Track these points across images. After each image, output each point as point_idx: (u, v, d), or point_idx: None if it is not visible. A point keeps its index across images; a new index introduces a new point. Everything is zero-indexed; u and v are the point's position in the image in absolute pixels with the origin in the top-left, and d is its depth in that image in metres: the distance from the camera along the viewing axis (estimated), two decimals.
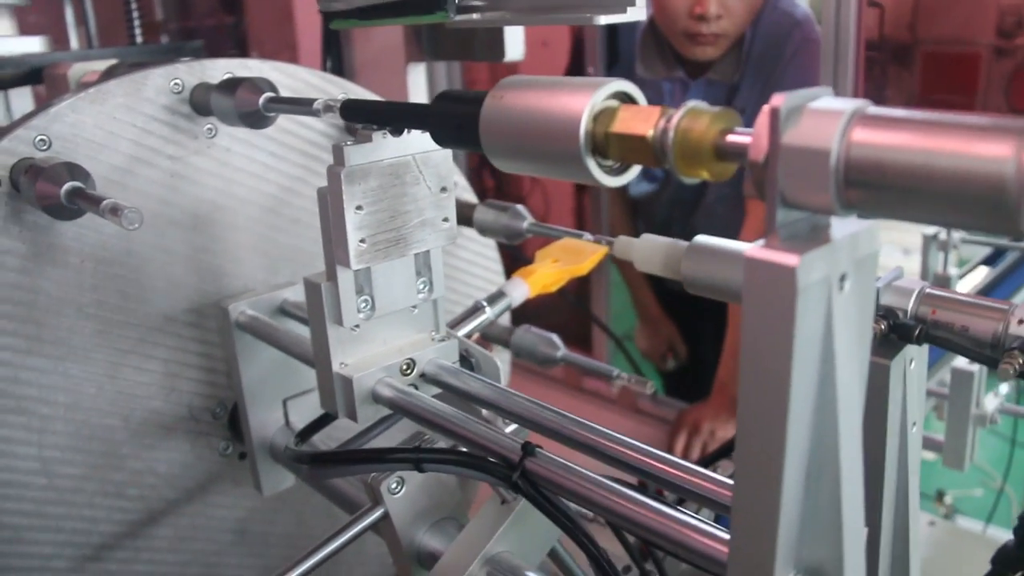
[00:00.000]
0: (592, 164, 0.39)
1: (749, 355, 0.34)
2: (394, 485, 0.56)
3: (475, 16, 0.78)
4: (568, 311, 1.76)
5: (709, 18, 1.29)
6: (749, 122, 0.35)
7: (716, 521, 0.42)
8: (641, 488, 0.45)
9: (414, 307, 0.59)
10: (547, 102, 0.40)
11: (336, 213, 0.52)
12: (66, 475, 0.66)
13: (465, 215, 0.82)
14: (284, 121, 0.74)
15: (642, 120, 0.38)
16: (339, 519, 0.83)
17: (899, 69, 2.89)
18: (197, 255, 0.71)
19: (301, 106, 0.60)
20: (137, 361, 0.69)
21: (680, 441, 1.39)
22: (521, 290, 0.70)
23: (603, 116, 0.39)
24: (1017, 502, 1.69)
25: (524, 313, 0.87)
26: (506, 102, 0.42)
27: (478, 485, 0.85)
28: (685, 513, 0.41)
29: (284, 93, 0.70)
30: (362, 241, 0.52)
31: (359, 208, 0.52)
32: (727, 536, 0.39)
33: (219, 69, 0.69)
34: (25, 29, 1.11)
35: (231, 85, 0.64)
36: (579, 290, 1.64)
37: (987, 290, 1.19)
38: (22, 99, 1.05)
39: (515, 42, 0.94)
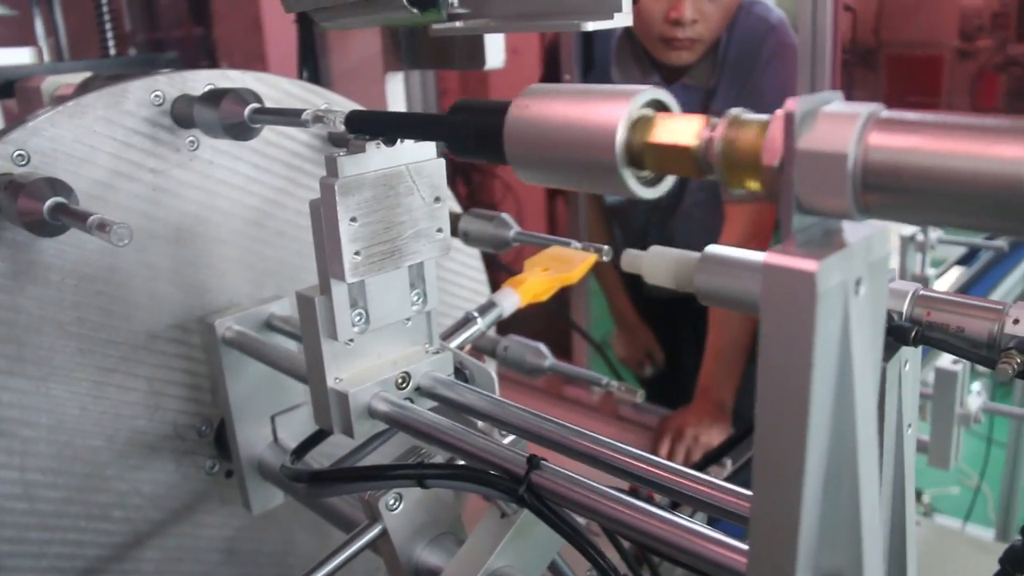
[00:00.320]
0: (628, 175, 0.38)
1: (768, 362, 0.34)
2: (392, 501, 0.55)
3: (457, 24, 0.77)
4: (547, 318, 1.75)
5: (684, 23, 1.30)
6: None
7: (709, 524, 0.42)
8: (644, 497, 0.44)
9: (407, 320, 0.58)
10: (579, 111, 0.39)
11: (330, 225, 0.51)
12: (49, 498, 0.64)
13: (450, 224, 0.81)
14: (266, 132, 0.73)
15: (684, 130, 0.37)
16: (329, 534, 0.82)
17: (865, 72, 2.93)
18: (181, 270, 0.69)
19: (288, 117, 0.59)
20: (121, 380, 0.67)
21: (664, 447, 1.38)
22: (512, 300, 0.69)
23: (639, 125, 0.38)
24: (993, 500, 1.72)
25: (503, 320, 0.87)
26: (533, 111, 0.41)
27: (467, 497, 0.84)
28: (699, 524, 0.40)
29: (268, 104, 0.69)
30: (356, 253, 0.51)
31: (353, 220, 0.51)
32: (744, 546, 0.38)
33: (200, 80, 0.68)
34: None
35: (215, 97, 0.62)
36: (558, 297, 1.63)
37: (963, 290, 1.20)
38: None
39: (495, 50, 0.93)
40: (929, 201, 0.31)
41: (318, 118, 0.55)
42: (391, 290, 0.55)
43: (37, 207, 0.56)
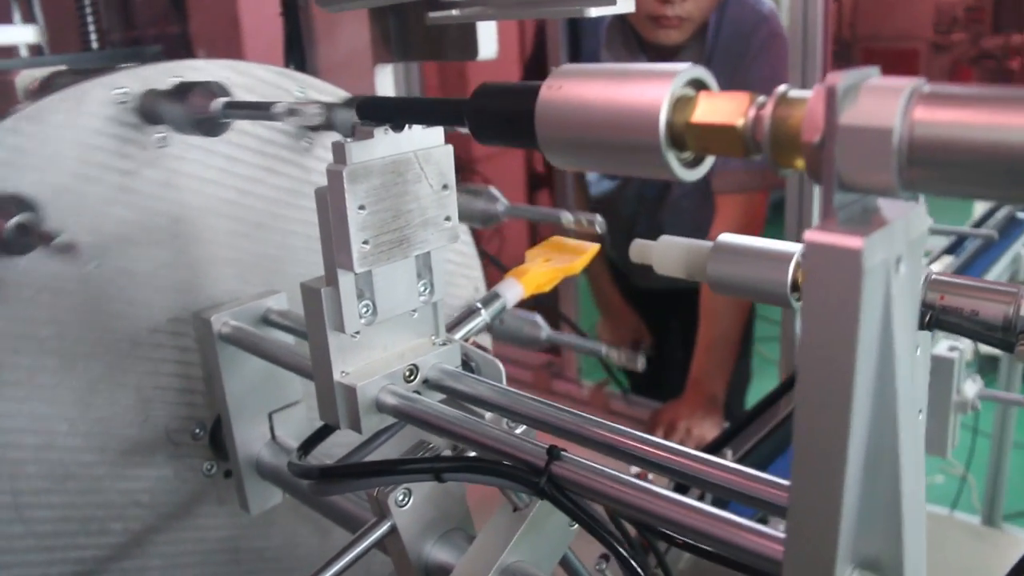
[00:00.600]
0: (672, 157, 0.37)
1: (809, 343, 0.33)
2: (401, 497, 0.54)
3: (454, 12, 0.76)
4: (536, 309, 1.75)
5: (674, 1, 1.30)
6: None
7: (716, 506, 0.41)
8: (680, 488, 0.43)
9: (414, 311, 0.56)
10: (617, 91, 0.37)
11: (337, 214, 0.49)
12: (44, 519, 0.62)
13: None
14: (238, 122, 0.70)
15: (729, 108, 0.35)
16: (330, 531, 0.80)
17: (841, 65, 2.94)
18: (160, 272, 0.67)
19: (260, 111, 0.57)
20: (107, 390, 0.65)
21: None
22: (515, 291, 0.68)
23: (680, 105, 0.36)
24: (978, 489, 1.73)
25: None
26: (567, 93, 0.39)
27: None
28: (731, 514, 0.39)
29: (239, 92, 0.67)
30: (365, 243, 0.50)
31: (361, 208, 0.49)
32: (778, 534, 0.38)
33: (165, 73, 0.65)
34: None
35: (182, 91, 0.60)
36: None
37: None
38: None
39: (488, 40, 0.92)
40: (976, 175, 0.30)
41: (292, 111, 0.53)
42: (398, 281, 0.54)
43: (0, 226, 0.54)
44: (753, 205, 1.38)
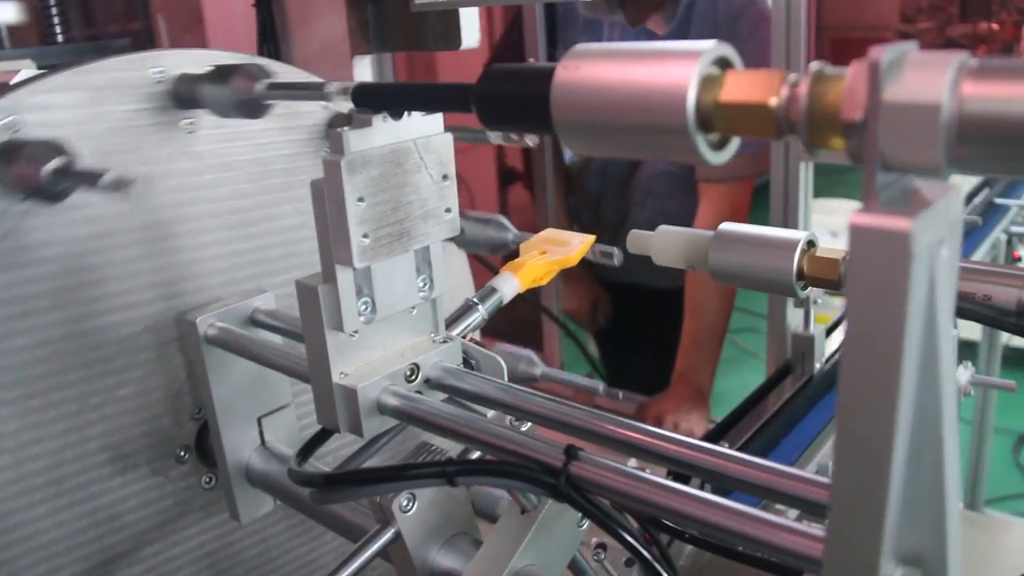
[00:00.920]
0: (700, 140, 0.35)
1: (855, 331, 0.31)
2: (405, 503, 0.52)
3: None
4: (517, 302, 1.73)
5: None
6: None
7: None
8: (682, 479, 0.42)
9: (412, 308, 0.54)
10: (640, 72, 0.35)
11: (335, 206, 0.47)
12: (31, 533, 0.60)
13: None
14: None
15: (760, 87, 0.33)
16: (320, 536, 0.78)
17: (810, 55, 2.96)
18: (140, 271, 0.64)
19: (306, 91, 0.55)
20: (85, 398, 0.62)
21: None
22: (512, 285, 0.66)
23: (707, 84, 0.34)
24: (962, 474, 1.75)
25: None
26: (584, 74, 0.37)
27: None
28: (763, 511, 0.38)
29: None
30: (364, 236, 0.47)
31: (360, 200, 0.47)
32: (816, 531, 0.36)
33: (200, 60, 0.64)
34: None
35: (224, 73, 0.58)
36: None
37: None
38: None
39: (470, 29, 0.90)
40: None
41: (345, 90, 0.51)
42: (397, 276, 0.52)
43: (36, 172, 0.51)
44: (739, 193, 1.37)
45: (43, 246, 0.59)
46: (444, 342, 0.55)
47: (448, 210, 0.52)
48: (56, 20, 0.95)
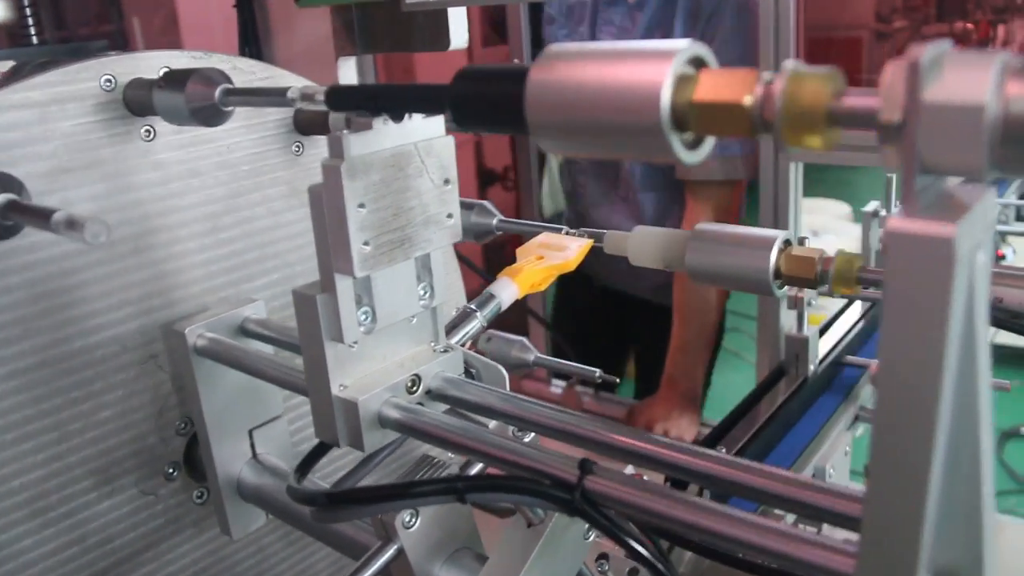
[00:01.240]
0: (674, 139, 0.34)
1: (894, 340, 0.30)
2: (408, 518, 0.50)
3: None
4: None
5: None
6: None
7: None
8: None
9: (412, 317, 0.53)
10: (614, 72, 0.35)
11: (335, 213, 0.45)
12: (19, 551, 0.57)
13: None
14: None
15: (734, 86, 0.33)
16: (308, 547, 0.76)
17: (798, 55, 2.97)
18: (125, 282, 0.62)
19: (267, 96, 0.53)
20: (62, 438, 0.60)
21: None
22: (510, 291, 0.65)
23: (682, 83, 0.34)
24: None
25: None
26: (559, 74, 0.36)
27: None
28: (788, 525, 0.36)
29: None
30: (365, 244, 0.46)
31: (361, 206, 0.45)
32: (847, 547, 0.35)
33: (154, 62, 0.61)
34: None
35: (179, 78, 0.56)
36: None
37: None
38: None
39: (459, 29, 0.88)
40: None
41: (306, 96, 0.49)
42: (398, 284, 0.50)
43: None
44: (728, 196, 1.36)
45: (5, 275, 0.56)
46: (445, 351, 0.54)
47: (450, 215, 0.50)
48: (30, 21, 0.92)
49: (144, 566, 0.65)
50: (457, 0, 0.72)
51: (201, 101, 0.56)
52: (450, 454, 0.53)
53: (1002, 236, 1.42)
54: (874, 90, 0.32)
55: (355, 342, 0.49)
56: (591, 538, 0.56)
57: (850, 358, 1.00)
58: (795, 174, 1.06)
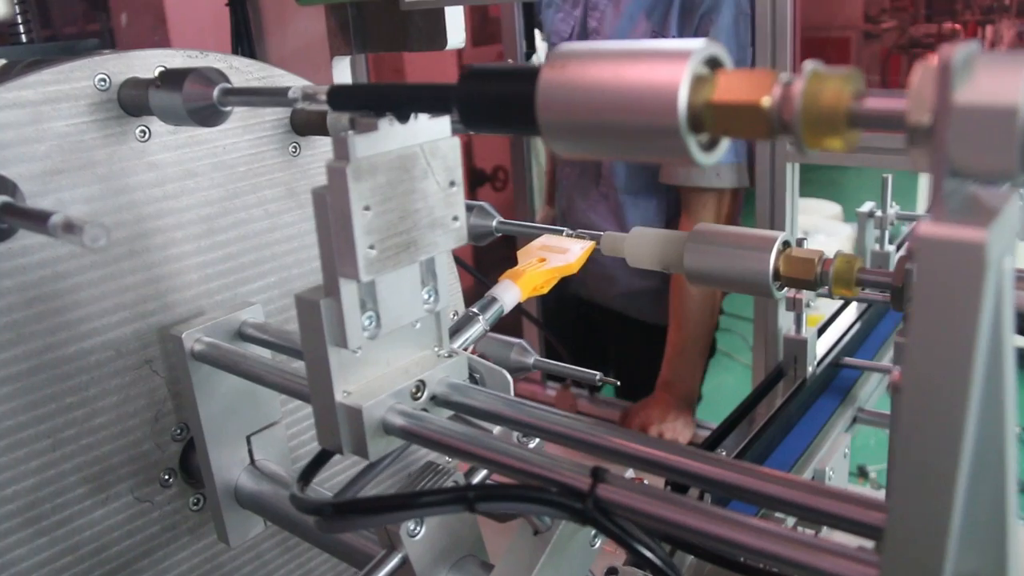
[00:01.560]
0: (691, 140, 0.34)
1: (922, 345, 0.29)
2: (413, 526, 0.49)
3: None
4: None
5: None
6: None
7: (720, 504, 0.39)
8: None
9: (416, 321, 0.52)
10: (630, 71, 0.34)
11: (340, 216, 0.44)
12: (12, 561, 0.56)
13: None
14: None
15: (753, 86, 0.33)
16: (303, 554, 0.75)
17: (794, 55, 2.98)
18: (119, 286, 0.61)
19: (267, 96, 0.52)
20: (56, 444, 0.59)
21: None
22: (512, 294, 0.64)
23: (698, 84, 0.34)
24: None
25: None
26: (572, 74, 0.36)
27: None
28: (808, 536, 0.36)
29: None
30: (371, 247, 0.45)
31: (367, 208, 0.44)
32: (869, 557, 0.34)
33: (150, 61, 0.60)
34: None
35: (176, 77, 0.55)
36: None
37: None
38: None
39: (456, 28, 0.88)
40: None
41: (308, 96, 0.48)
42: (403, 288, 0.49)
43: None
44: (725, 205, 1.36)
45: None
46: (450, 357, 0.53)
47: (455, 218, 0.49)
48: (20, 20, 0.91)
49: (140, 574, 0.63)
50: None
51: (199, 101, 0.55)
52: (447, 458, 0.52)
53: None
54: (894, 91, 0.31)
55: (359, 348, 0.48)
56: (597, 545, 0.55)
57: (848, 359, 1.00)
58: (791, 175, 1.06)
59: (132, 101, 0.59)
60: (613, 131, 0.35)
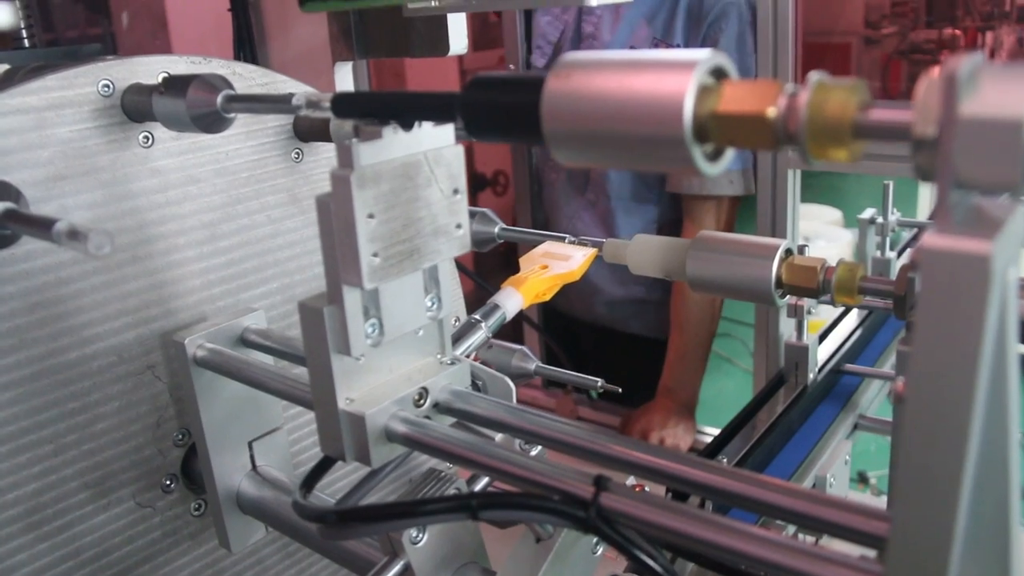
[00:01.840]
0: (696, 151, 0.34)
1: (926, 357, 0.29)
2: (415, 533, 0.49)
3: (433, 3, 0.72)
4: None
5: None
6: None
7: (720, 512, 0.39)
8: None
9: (419, 328, 0.52)
10: (635, 81, 0.34)
11: (344, 224, 0.44)
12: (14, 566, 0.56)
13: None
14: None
15: (758, 97, 0.33)
16: (304, 560, 0.75)
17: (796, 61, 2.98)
18: (121, 291, 0.61)
19: (270, 103, 0.52)
20: (57, 450, 0.59)
21: None
22: (514, 301, 0.64)
23: (703, 94, 0.34)
24: None
25: None
26: (576, 83, 0.36)
27: None
28: (810, 545, 0.36)
29: None
30: (375, 255, 0.45)
31: (371, 216, 0.44)
32: (875, 567, 0.34)
33: (153, 67, 0.60)
34: None
35: (180, 84, 0.55)
36: None
37: None
38: None
39: (459, 34, 0.88)
40: None
41: (311, 103, 0.48)
42: (405, 296, 0.49)
43: None
44: (724, 209, 1.36)
45: (0, 284, 0.55)
46: (452, 364, 0.53)
47: (459, 225, 0.49)
48: (23, 24, 0.91)
49: None
50: (457, 6, 0.71)
51: (203, 107, 0.55)
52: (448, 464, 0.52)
53: None
54: (898, 102, 0.31)
55: (362, 355, 0.48)
56: (599, 552, 0.55)
57: (849, 366, 1.00)
58: (793, 182, 1.06)
59: (135, 107, 0.59)
60: (618, 141, 0.35)
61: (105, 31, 2.12)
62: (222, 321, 0.62)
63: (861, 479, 1.75)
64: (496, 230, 0.74)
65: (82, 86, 0.58)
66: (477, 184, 2.74)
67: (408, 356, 0.52)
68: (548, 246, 0.70)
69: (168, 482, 0.65)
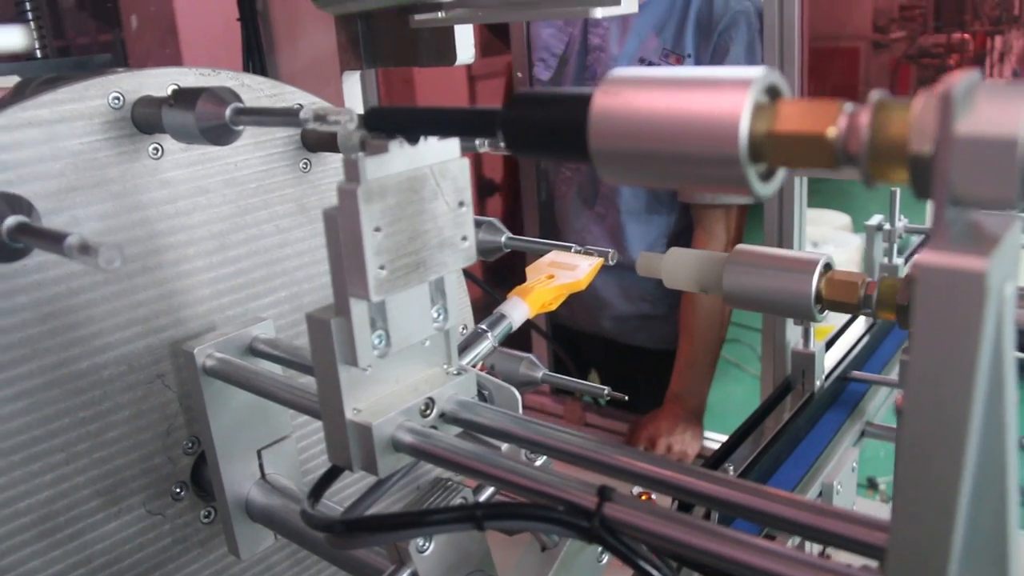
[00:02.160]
0: (751, 170, 0.33)
1: (923, 372, 0.30)
2: (422, 542, 0.50)
3: (440, 15, 0.72)
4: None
5: None
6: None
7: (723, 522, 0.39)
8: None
9: (425, 339, 0.52)
10: (689, 99, 0.33)
11: (351, 237, 0.45)
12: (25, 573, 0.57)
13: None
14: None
15: (817, 117, 0.32)
16: (311, 567, 0.76)
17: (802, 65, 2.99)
18: (131, 301, 0.62)
19: (279, 116, 0.53)
20: (69, 458, 0.60)
21: None
22: (521, 311, 0.64)
23: (758, 113, 0.33)
24: None
25: None
26: (626, 100, 0.35)
27: None
28: (815, 557, 0.36)
29: None
30: (381, 268, 0.45)
31: (377, 229, 0.45)
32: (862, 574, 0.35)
33: (163, 79, 0.61)
34: None
35: (189, 96, 0.56)
36: None
37: None
38: None
39: (465, 45, 0.88)
40: None
41: (320, 117, 0.49)
42: (412, 307, 0.50)
43: None
44: (733, 217, 1.36)
45: (12, 294, 0.56)
46: (458, 374, 0.53)
47: (464, 238, 0.50)
48: (35, 35, 0.92)
49: None
50: (464, 17, 0.72)
51: (211, 120, 0.56)
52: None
53: None
54: None
55: (369, 366, 0.49)
56: (604, 561, 0.56)
57: (856, 373, 1.00)
58: (800, 187, 1.06)
59: (145, 119, 0.60)
60: (669, 160, 0.34)
61: (115, 39, 2.14)
62: (231, 330, 0.63)
63: (870, 485, 1.75)
64: (503, 239, 0.74)
65: (93, 98, 0.59)
66: (485, 190, 2.74)
67: (415, 366, 0.52)
68: (555, 256, 0.70)
69: (178, 490, 0.65)
